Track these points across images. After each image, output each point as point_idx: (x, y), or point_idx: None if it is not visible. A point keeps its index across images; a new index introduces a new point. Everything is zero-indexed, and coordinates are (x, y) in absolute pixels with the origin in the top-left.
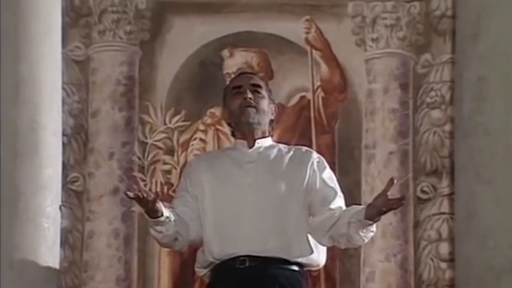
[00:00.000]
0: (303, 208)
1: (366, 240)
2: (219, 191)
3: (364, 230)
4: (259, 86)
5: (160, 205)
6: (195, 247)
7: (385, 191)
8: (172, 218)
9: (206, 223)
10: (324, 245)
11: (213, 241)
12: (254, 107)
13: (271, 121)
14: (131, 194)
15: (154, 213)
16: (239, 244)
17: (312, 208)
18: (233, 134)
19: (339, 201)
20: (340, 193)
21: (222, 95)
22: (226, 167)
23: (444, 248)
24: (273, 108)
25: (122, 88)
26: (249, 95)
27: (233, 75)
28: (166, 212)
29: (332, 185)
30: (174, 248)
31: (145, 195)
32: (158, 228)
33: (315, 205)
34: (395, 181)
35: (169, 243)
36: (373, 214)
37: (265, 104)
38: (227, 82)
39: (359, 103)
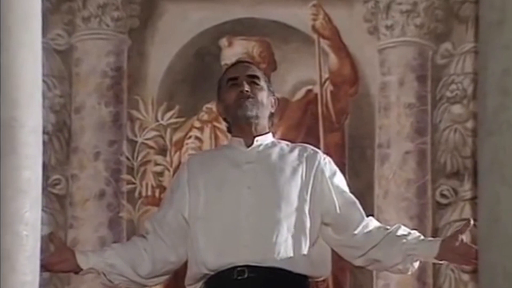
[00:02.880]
0: (307, 214)
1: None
2: (214, 194)
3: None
4: (257, 77)
5: (74, 260)
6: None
7: (461, 232)
8: (101, 265)
9: (199, 230)
10: (355, 265)
11: (207, 250)
12: (252, 99)
13: (271, 114)
14: None
15: (71, 271)
16: (237, 253)
17: (330, 218)
18: (229, 130)
19: (363, 213)
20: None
21: (216, 87)
22: (222, 167)
23: None
24: (273, 101)
25: (109, 80)
26: (246, 87)
27: None
28: (87, 264)
29: (349, 192)
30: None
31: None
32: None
33: (339, 220)
34: (472, 223)
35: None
36: (453, 260)
37: (263, 96)
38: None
39: (371, 98)
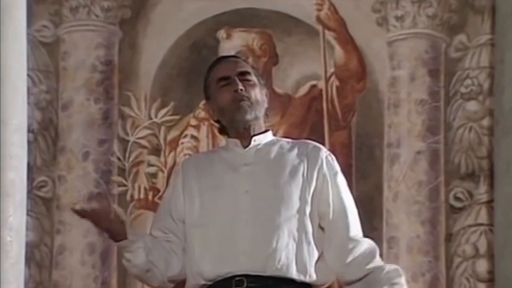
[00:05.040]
0: (308, 216)
1: None
2: (210, 199)
3: None
4: (248, 73)
5: (124, 227)
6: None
7: None
8: (141, 244)
9: (194, 238)
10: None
11: (203, 259)
12: (248, 100)
13: (266, 110)
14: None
15: (117, 235)
16: (235, 262)
17: (324, 222)
18: (220, 132)
19: (351, 229)
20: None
21: (203, 86)
22: (218, 171)
23: (482, 266)
24: (266, 93)
25: (98, 75)
26: (240, 85)
27: None
28: (132, 237)
29: (348, 198)
30: (151, 283)
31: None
32: (127, 255)
33: (329, 229)
34: None
35: (140, 275)
36: None
37: (257, 92)
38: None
39: (380, 94)
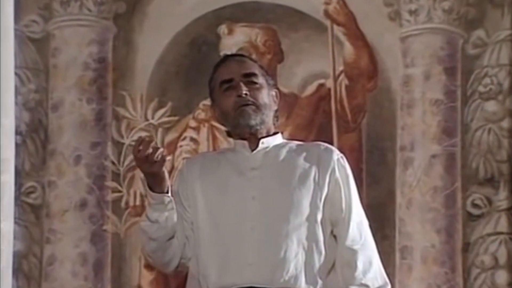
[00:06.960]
0: (319, 224)
1: None
2: (215, 205)
3: None
4: (254, 74)
5: (167, 177)
6: (184, 274)
7: None
8: (173, 206)
9: (201, 242)
10: None
11: (208, 266)
12: (253, 104)
13: (275, 111)
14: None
15: (158, 185)
16: (240, 273)
17: (336, 230)
18: (229, 134)
19: (349, 240)
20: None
21: (208, 88)
22: (224, 174)
23: (502, 277)
24: (275, 95)
25: (91, 73)
26: (244, 89)
27: None
28: (166, 197)
29: (354, 209)
30: (162, 258)
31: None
32: (155, 215)
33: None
34: None
35: (160, 242)
36: None
37: (264, 95)
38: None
39: (392, 93)
